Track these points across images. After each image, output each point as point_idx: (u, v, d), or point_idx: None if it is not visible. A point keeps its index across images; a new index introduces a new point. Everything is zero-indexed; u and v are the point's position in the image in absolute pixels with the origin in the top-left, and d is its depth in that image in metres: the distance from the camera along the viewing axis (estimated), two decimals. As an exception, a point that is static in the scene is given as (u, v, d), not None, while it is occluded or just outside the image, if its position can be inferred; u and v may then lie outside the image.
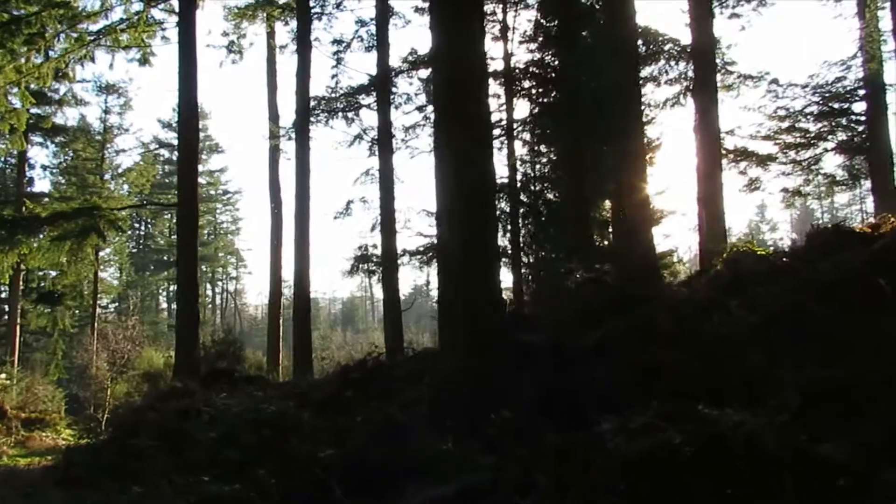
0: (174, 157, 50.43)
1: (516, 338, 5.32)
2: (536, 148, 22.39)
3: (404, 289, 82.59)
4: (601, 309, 6.01)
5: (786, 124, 18.09)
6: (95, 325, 31.67)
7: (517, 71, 20.67)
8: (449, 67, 5.40)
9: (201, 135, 50.76)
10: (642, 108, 14.83)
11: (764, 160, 18.40)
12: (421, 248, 22.44)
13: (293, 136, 22.42)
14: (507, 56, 20.54)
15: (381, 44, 19.12)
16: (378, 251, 22.11)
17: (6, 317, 32.77)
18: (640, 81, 16.35)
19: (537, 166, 22.22)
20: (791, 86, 17.48)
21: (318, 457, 5.22)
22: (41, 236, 14.14)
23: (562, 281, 11.89)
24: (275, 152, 25.10)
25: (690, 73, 19.89)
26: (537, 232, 21.12)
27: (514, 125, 21.43)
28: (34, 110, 31.36)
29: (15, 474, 11.20)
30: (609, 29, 14.05)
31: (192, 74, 15.30)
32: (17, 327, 29.35)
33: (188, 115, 15.33)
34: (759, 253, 8.51)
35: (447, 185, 5.14)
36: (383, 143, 18.95)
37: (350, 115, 21.54)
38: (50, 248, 14.01)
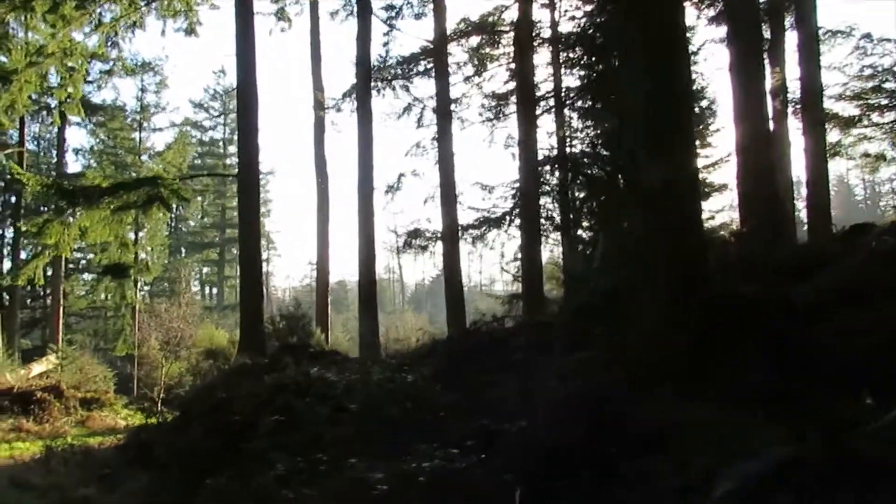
0: (205, 139, 50.13)
1: (728, 289, 4.54)
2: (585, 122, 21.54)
3: (432, 270, 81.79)
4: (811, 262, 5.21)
5: (870, 84, 16.94)
6: (138, 305, 31.43)
7: (564, 38, 19.68)
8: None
9: (232, 114, 50.53)
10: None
11: (848, 123, 17.30)
12: (475, 222, 21.69)
13: (342, 106, 21.74)
14: (555, 23, 19.56)
15: (437, 8, 18.24)
16: (430, 226, 21.51)
17: (48, 299, 32.67)
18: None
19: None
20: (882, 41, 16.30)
21: (489, 431, 4.47)
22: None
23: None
24: (320, 126, 24.32)
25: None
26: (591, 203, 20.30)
27: (563, 95, 20.49)
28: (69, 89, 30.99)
29: (88, 455, 10.68)
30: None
31: (249, 36, 14.61)
32: (61, 309, 29.15)
33: (247, 80, 14.61)
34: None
35: (639, 103, 4.31)
36: (442, 111, 18.14)
37: (403, 84, 20.79)
38: (112, 219, 13.45)
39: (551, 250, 22.07)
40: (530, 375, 6.11)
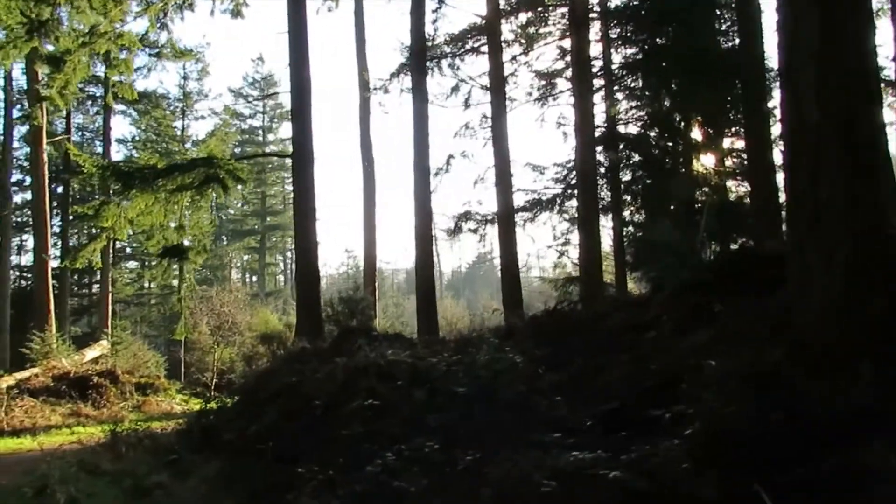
0: (245, 126, 50.16)
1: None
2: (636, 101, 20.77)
3: (468, 256, 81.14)
4: None
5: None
6: (183, 290, 31.50)
7: (619, 12, 18.92)
8: None
9: (271, 102, 50.46)
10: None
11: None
12: (526, 204, 21.10)
13: (390, 87, 21.28)
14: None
15: (490, -20, 17.60)
16: (480, 209, 21.00)
17: (96, 286, 32.99)
18: None
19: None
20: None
21: (646, 417, 3.95)
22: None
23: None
24: (365, 108, 23.88)
25: None
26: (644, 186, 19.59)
27: (614, 73, 19.73)
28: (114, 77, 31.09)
29: (153, 439, 10.44)
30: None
31: (301, 10, 14.23)
32: (110, 295, 29.38)
33: (299, 58, 14.23)
34: None
35: (812, 41, 3.72)
36: (496, 89, 17.54)
37: (451, 63, 20.24)
38: (168, 201, 13.22)
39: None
40: (643, 357, 5.58)
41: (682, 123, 19.24)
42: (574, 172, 20.79)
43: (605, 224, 22.59)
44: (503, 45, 18.54)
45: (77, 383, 15.60)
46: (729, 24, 19.03)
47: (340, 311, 12.99)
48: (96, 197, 34.42)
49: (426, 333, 14.55)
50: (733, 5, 18.51)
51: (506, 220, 17.33)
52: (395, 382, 6.33)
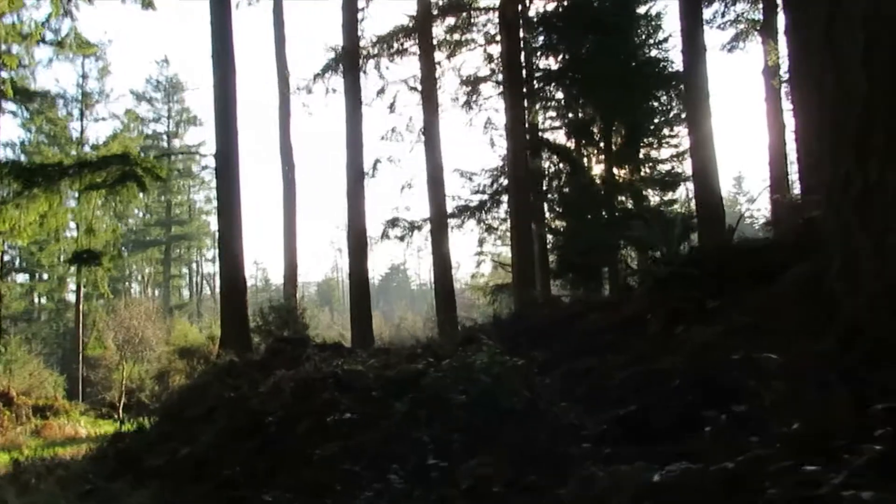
0: (148, 131, 47.54)
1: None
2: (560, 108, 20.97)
3: (381, 268, 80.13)
4: None
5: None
6: (81, 303, 29.28)
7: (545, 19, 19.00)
8: None
9: (177, 106, 48.17)
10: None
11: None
12: (454, 211, 20.75)
13: (314, 88, 20.43)
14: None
15: (421, -22, 17.18)
16: (408, 215, 20.47)
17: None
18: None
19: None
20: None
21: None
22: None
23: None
24: (285, 110, 22.87)
25: (753, 15, 18.57)
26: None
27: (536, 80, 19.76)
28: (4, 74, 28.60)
29: (62, 468, 9.25)
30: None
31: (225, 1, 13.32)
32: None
33: (223, 51, 13.29)
34: None
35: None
36: (427, 91, 17.10)
37: (380, 63, 19.63)
38: (80, 200, 11.92)
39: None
40: (644, 356, 5.21)
41: (603, 132, 19.52)
42: (502, 179, 20.72)
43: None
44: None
45: (-36, 407, 13.91)
46: (648, 36, 19.52)
47: (272, 320, 12.10)
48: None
49: (361, 344, 13.84)
50: (653, 19, 19.02)
51: (439, 225, 16.89)
52: (369, 393, 5.68)
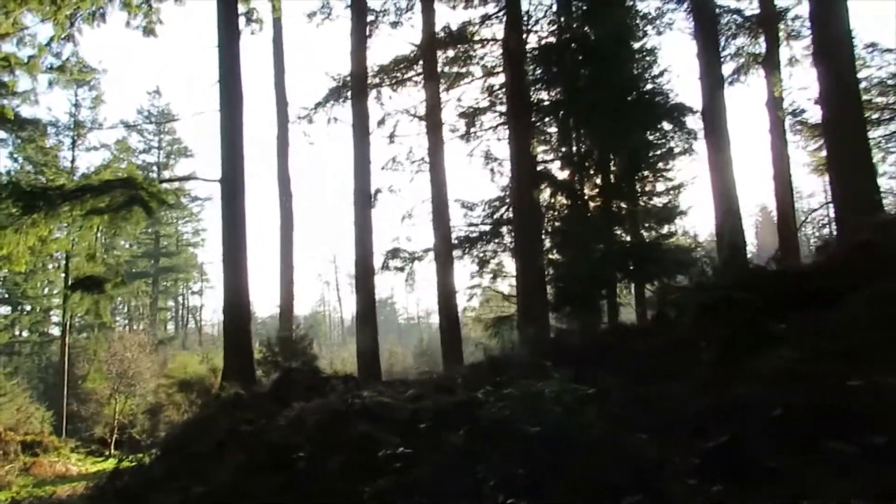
0: (139, 162, 47.10)
1: None
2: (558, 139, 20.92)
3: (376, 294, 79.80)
4: None
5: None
6: (67, 335, 28.49)
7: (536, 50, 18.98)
8: None
9: (168, 137, 47.88)
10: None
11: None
12: (456, 241, 20.44)
13: (314, 118, 20.23)
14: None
15: (426, 8, 17.09)
16: (409, 245, 20.13)
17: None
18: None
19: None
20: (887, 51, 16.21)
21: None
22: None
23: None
24: (283, 140, 22.63)
25: (754, 49, 18.67)
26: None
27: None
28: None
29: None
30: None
31: (233, 24, 13.18)
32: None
33: (230, 73, 13.03)
34: None
35: None
36: (432, 119, 16.90)
37: (381, 93, 19.49)
38: (83, 225, 11.46)
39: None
40: (715, 382, 4.87)
41: (600, 164, 19.42)
42: (503, 209, 20.50)
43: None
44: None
45: (-51, 444, 13.21)
46: (644, 70, 19.57)
47: (278, 352, 11.61)
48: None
49: (368, 376, 13.39)
50: (648, 53, 19.07)
51: (443, 254, 16.52)
52: (412, 425, 5.28)
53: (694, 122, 17.73)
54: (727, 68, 19.57)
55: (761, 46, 18.32)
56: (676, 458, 3.88)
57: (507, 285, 20.63)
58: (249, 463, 6.92)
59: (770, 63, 17.45)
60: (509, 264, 20.39)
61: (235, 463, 7.17)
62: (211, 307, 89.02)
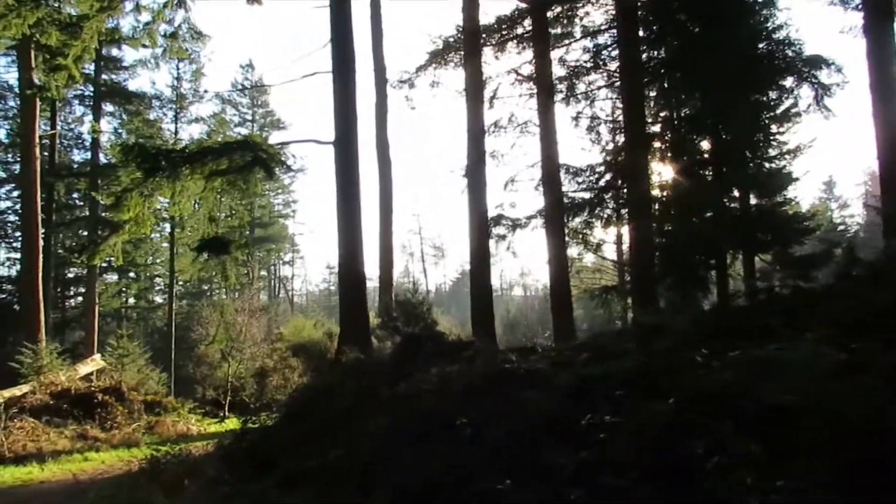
0: (235, 135, 48.22)
1: None
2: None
3: (451, 273, 79.51)
4: None
5: None
6: (174, 300, 29.55)
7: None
8: None
9: (261, 110, 48.75)
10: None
11: None
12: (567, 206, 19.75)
13: (416, 82, 19.84)
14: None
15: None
16: (512, 212, 19.60)
17: (80, 298, 30.83)
18: None
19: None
20: None
21: None
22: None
23: None
24: (382, 104, 22.29)
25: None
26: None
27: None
28: (104, 76, 29.19)
29: (193, 466, 8.70)
30: None
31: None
32: (96, 308, 27.25)
33: (343, 34, 12.78)
34: None
35: None
36: (542, 80, 16.15)
37: (491, 52, 18.84)
38: (205, 186, 11.53)
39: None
40: None
41: (712, 127, 18.17)
42: (608, 175, 19.59)
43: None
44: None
45: (80, 401, 13.69)
46: (761, 23, 18.02)
47: (397, 316, 11.40)
48: (81, 204, 32.38)
49: (483, 336, 13.04)
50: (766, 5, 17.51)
51: (555, 221, 15.87)
52: (589, 393, 4.78)
53: (828, 77, 16.32)
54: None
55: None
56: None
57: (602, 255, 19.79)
58: (396, 428, 6.62)
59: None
60: (602, 234, 19.59)
61: (376, 427, 6.89)
62: (301, 277, 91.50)
